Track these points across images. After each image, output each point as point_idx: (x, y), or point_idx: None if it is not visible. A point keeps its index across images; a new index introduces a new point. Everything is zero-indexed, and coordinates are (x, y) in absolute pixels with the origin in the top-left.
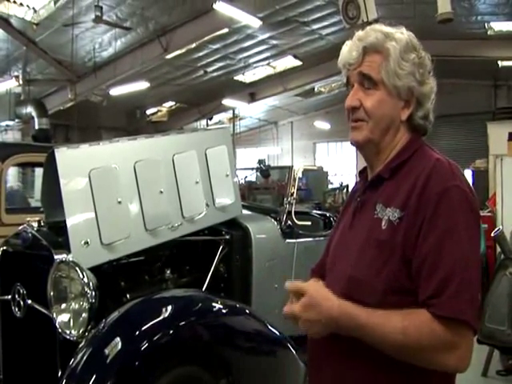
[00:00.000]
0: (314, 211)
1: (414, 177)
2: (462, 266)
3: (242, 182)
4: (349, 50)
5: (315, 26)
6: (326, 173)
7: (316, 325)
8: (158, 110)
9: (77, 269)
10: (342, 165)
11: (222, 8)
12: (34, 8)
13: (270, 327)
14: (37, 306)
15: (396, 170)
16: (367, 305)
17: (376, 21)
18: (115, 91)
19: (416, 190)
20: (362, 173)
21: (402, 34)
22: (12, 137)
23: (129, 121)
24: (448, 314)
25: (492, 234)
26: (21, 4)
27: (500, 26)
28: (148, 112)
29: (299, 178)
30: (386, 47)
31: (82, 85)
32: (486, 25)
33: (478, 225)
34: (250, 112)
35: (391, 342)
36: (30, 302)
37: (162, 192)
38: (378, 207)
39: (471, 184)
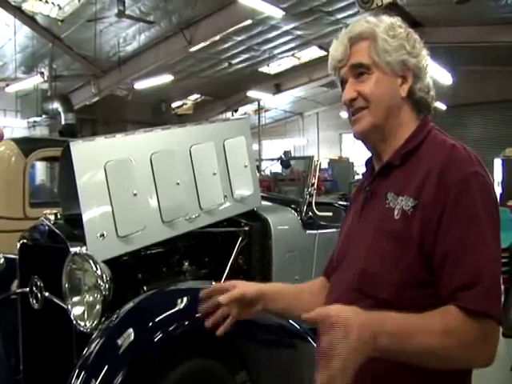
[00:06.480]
0: (339, 202)
1: (427, 163)
2: (490, 258)
3: (268, 173)
4: (335, 49)
5: (339, 16)
6: (352, 164)
7: (353, 358)
8: (184, 103)
9: (90, 261)
10: (368, 156)
11: None
12: (58, 5)
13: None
14: (53, 299)
15: (407, 156)
16: (382, 300)
17: (391, 4)
18: (140, 85)
19: (431, 177)
20: (367, 163)
21: (386, 19)
22: (40, 133)
23: (154, 114)
24: (481, 308)
25: None
26: (46, 1)
27: None
28: (173, 105)
29: (325, 169)
30: (371, 32)
31: (107, 79)
32: None
33: (498, 212)
34: (276, 103)
35: (434, 345)
36: (47, 294)
37: (178, 183)
38: (390, 196)
39: (501, 174)
